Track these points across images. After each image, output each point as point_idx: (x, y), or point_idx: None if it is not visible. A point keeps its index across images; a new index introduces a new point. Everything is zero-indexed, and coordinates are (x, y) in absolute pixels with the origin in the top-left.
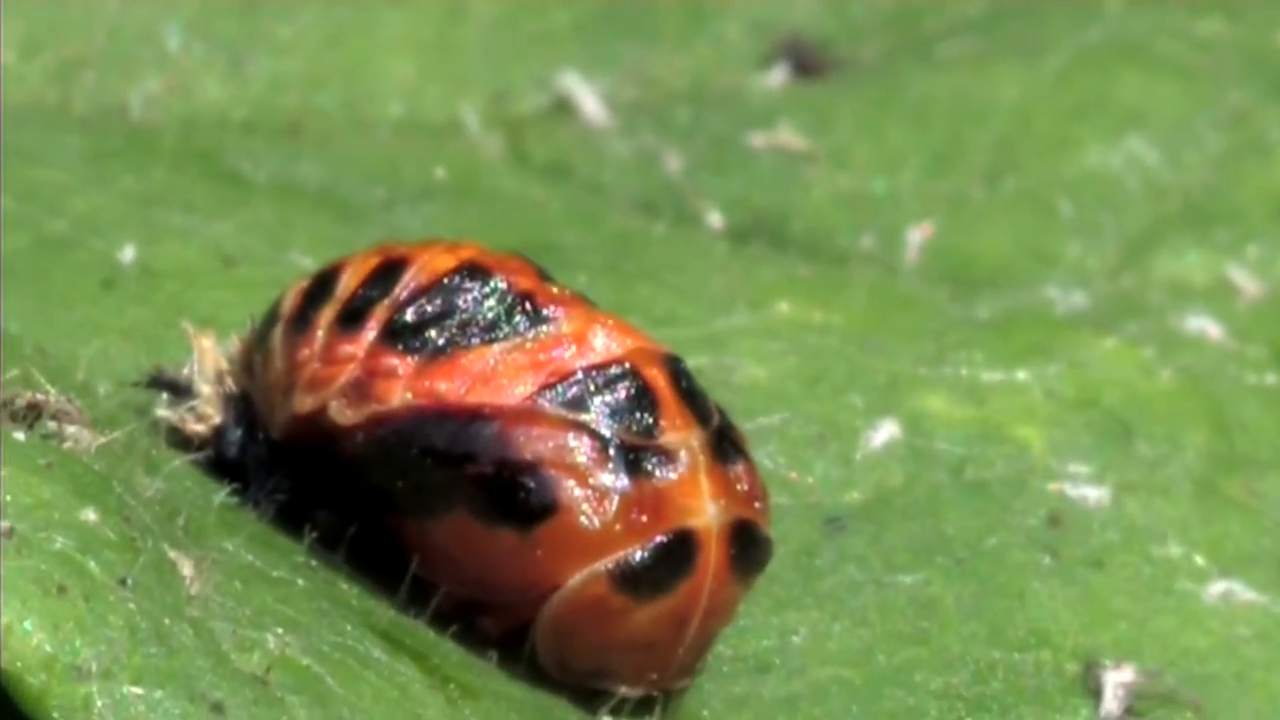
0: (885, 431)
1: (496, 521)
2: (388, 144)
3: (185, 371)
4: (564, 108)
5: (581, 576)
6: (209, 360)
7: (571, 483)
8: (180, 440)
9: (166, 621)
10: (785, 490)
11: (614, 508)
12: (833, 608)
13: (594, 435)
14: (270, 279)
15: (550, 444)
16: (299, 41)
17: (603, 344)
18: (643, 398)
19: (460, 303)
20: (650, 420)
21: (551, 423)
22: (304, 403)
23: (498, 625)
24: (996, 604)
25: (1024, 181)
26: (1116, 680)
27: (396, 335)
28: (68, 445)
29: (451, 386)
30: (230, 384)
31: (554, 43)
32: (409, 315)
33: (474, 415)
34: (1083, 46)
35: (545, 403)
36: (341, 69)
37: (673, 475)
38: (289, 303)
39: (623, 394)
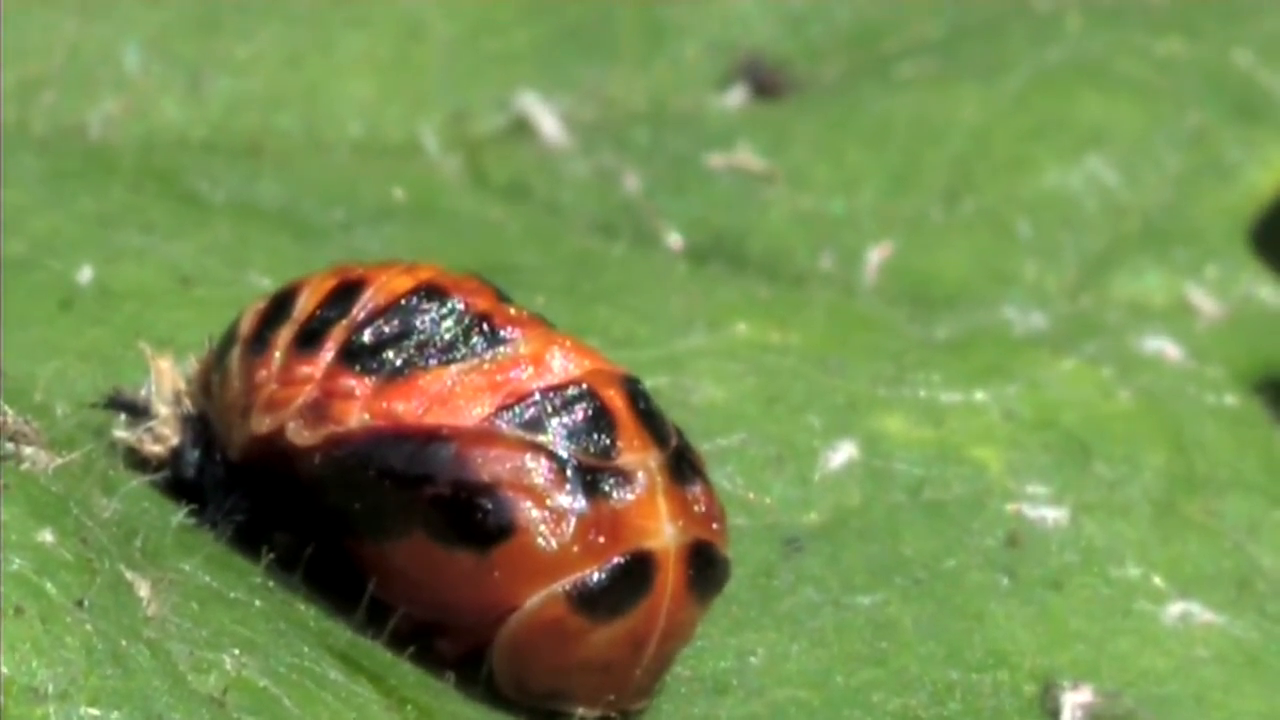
0: (843, 452)
1: (454, 543)
2: (346, 164)
3: (143, 392)
4: (522, 128)
5: (539, 598)
6: (167, 381)
7: (529, 504)
8: (138, 461)
9: (123, 643)
10: (743, 511)
11: (571, 529)
12: (791, 629)
13: (551, 456)
14: (229, 299)
15: (507, 465)
16: (258, 62)
17: (560, 365)
18: (600, 419)
19: (418, 324)
20: (608, 441)
21: (509, 444)
22: (261, 423)
23: (455, 647)
24: (954, 625)
25: (983, 202)
26: (1075, 701)
27: (354, 356)
28: (25, 466)
29: (409, 407)
30: (188, 405)
31: (513, 63)
32: (366, 336)
33: (431, 436)
34: (1042, 67)
35: (502, 424)
36: (300, 89)
37: (630, 496)
38: (246, 324)
39: (580, 415)
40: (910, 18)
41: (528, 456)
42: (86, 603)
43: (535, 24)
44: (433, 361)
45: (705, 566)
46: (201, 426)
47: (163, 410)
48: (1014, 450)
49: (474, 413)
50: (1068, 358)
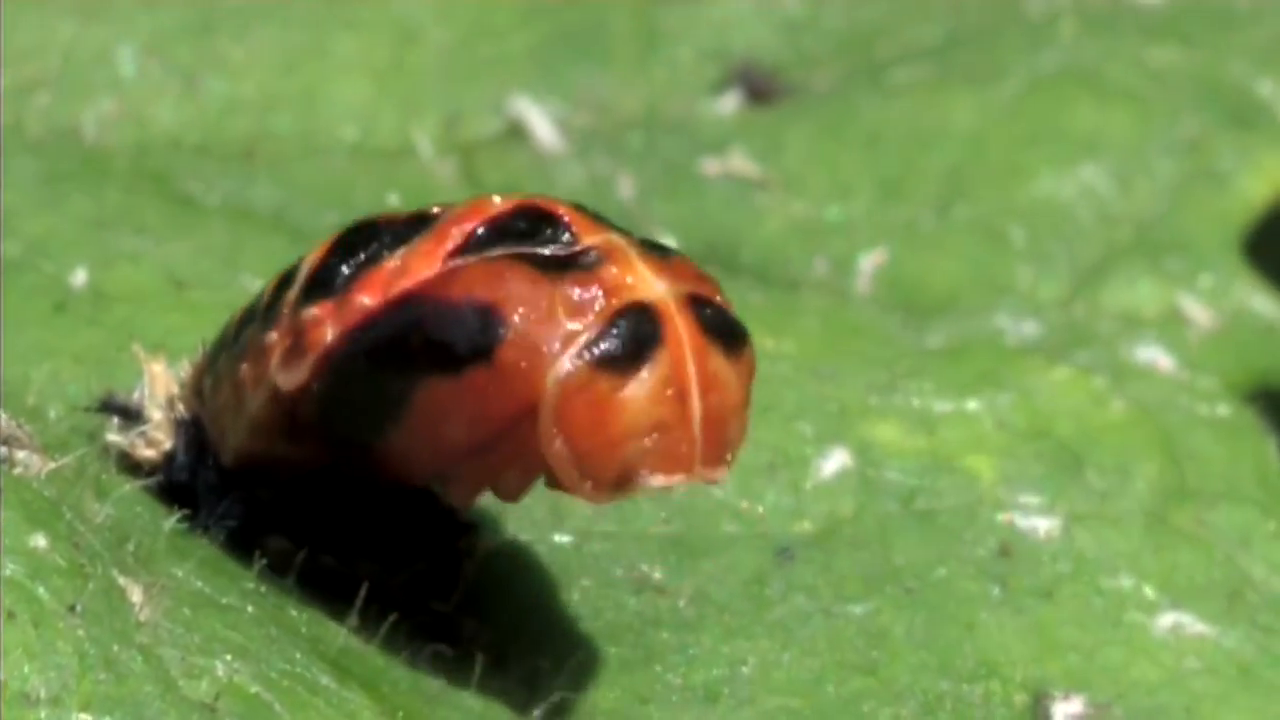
0: (836, 461)
1: (461, 368)
2: (341, 168)
3: (136, 396)
4: (517, 132)
5: (557, 376)
6: (160, 385)
7: (513, 301)
8: (131, 465)
9: (115, 648)
10: (735, 519)
11: (562, 303)
12: (782, 637)
13: (518, 258)
14: (222, 303)
15: (482, 282)
16: (252, 65)
17: (497, 202)
18: (549, 221)
19: (359, 246)
20: (566, 235)
21: (475, 268)
22: (256, 401)
23: (520, 481)
24: (946, 634)
25: (976, 209)
26: (1065, 712)
27: (310, 294)
28: (18, 471)
29: (373, 296)
30: (181, 409)
31: (507, 68)
32: (316, 275)
33: (403, 300)
34: (1036, 74)
35: (463, 260)
36: (295, 93)
37: (608, 264)
38: (232, 327)
39: (531, 224)
40: (904, 24)
41: (499, 265)
42: (79, 608)
43: (530, 29)
44: (383, 255)
45: (712, 314)
46: (194, 431)
47: (156, 414)
48: (1006, 460)
49: (433, 268)
50: (1060, 367)
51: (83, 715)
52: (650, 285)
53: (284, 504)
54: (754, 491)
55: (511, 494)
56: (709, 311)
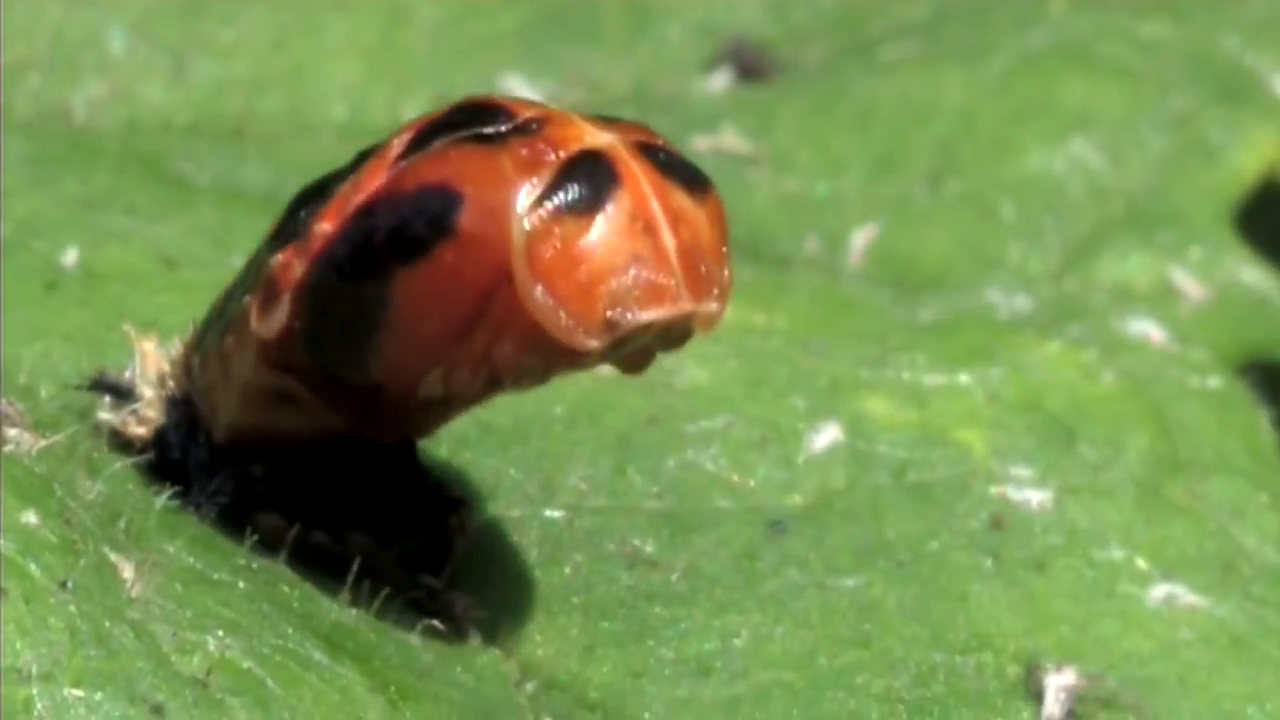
0: (827, 434)
1: (427, 252)
2: (331, 147)
3: (127, 375)
4: None
5: (522, 231)
6: (151, 363)
7: (465, 171)
8: (122, 443)
9: (107, 624)
10: (727, 493)
11: (512, 164)
12: (774, 610)
13: (461, 140)
14: (213, 282)
15: (431, 166)
16: (242, 45)
17: (426, 117)
18: (488, 108)
19: (313, 195)
20: (502, 114)
21: (423, 158)
22: (245, 359)
23: (516, 354)
24: (938, 607)
25: (967, 184)
26: (1058, 683)
27: (273, 245)
28: (9, 448)
29: (332, 221)
30: (172, 387)
31: (497, 46)
32: (279, 229)
33: (362, 211)
34: (1026, 49)
35: (410, 160)
36: (285, 72)
37: (554, 127)
38: (218, 305)
39: (470, 115)
40: (894, 1)
41: (441, 151)
42: (70, 584)
43: (520, 7)
44: (335, 188)
45: (666, 157)
46: (186, 408)
47: (147, 392)
48: (998, 432)
49: (382, 177)
50: (1051, 340)
51: (75, 691)
52: (597, 136)
53: (276, 481)
54: (746, 466)
55: (510, 371)
56: (662, 155)
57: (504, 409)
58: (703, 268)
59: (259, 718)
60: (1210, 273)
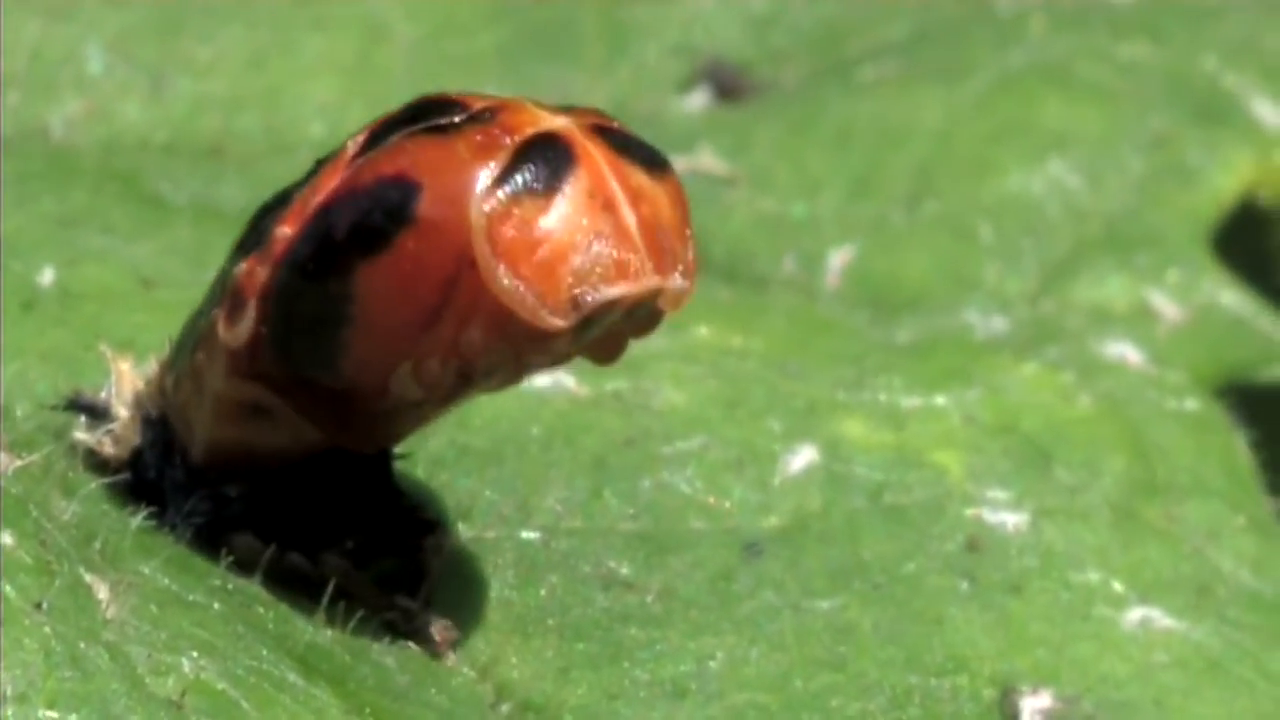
0: (804, 456)
1: (389, 245)
2: (309, 166)
3: (103, 394)
4: None
5: (481, 214)
6: (127, 383)
7: (421, 161)
8: (98, 463)
9: (82, 645)
10: (703, 515)
11: (467, 151)
12: (750, 633)
13: (415, 134)
14: (189, 301)
15: (387, 159)
16: (220, 64)
17: (380, 120)
18: (441, 104)
19: (272, 205)
20: (458, 106)
21: (378, 153)
22: (215, 372)
23: (485, 339)
24: (914, 629)
25: (944, 205)
26: (1034, 706)
27: (236, 257)
28: None
29: (293, 224)
30: (148, 407)
31: (476, 65)
32: (241, 242)
33: (321, 210)
34: (1004, 70)
35: (364, 158)
36: (262, 91)
37: (505, 112)
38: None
39: (423, 110)
40: (873, 21)
41: (397, 144)
42: (45, 605)
43: (498, 26)
44: (292, 200)
45: (621, 138)
46: (161, 429)
47: (123, 412)
48: (974, 455)
49: (337, 179)
50: (1028, 362)
51: (48, 713)
52: (551, 119)
53: (252, 501)
54: (722, 487)
55: (480, 360)
56: (618, 137)
57: (480, 431)
58: (666, 244)
59: None
60: (1188, 295)
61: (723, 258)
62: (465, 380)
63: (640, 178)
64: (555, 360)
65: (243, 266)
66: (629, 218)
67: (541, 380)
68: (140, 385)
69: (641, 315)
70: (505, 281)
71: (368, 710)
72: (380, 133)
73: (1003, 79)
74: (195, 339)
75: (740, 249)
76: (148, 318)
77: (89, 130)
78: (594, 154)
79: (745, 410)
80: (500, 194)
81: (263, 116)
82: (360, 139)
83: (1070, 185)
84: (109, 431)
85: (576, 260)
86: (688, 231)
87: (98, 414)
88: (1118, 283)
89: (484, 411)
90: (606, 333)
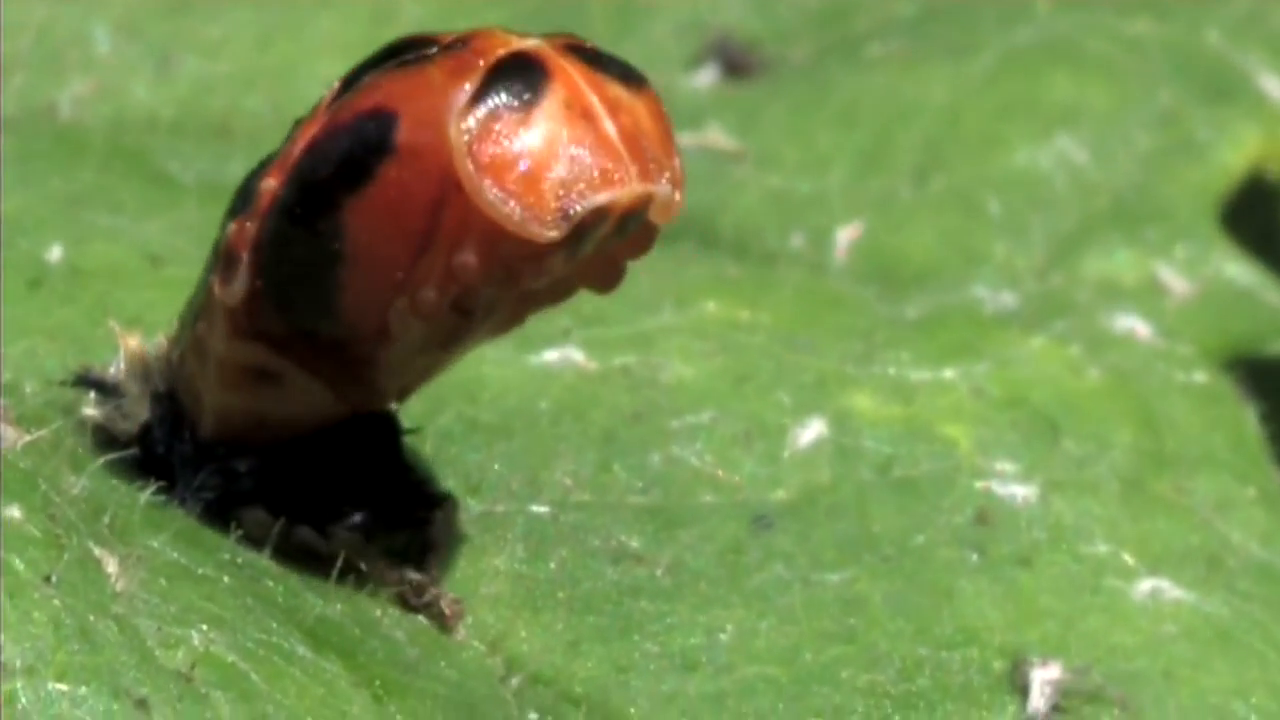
0: (813, 430)
1: (372, 173)
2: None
3: (112, 371)
4: None
5: (460, 134)
6: (135, 359)
7: (396, 91)
8: (107, 439)
9: (91, 618)
10: (712, 488)
11: (442, 75)
12: (759, 606)
13: (390, 69)
14: (197, 279)
15: (364, 96)
16: (228, 43)
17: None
18: (412, 42)
19: (259, 167)
20: (426, 43)
21: (354, 93)
22: (215, 333)
23: (480, 263)
24: (923, 602)
25: (952, 181)
26: (1043, 678)
27: (227, 220)
28: None
29: (278, 176)
30: (156, 382)
31: None
32: (230, 206)
33: (302, 155)
34: (1012, 47)
35: (341, 100)
36: (270, 70)
37: (476, 40)
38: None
39: (395, 51)
40: None
41: (371, 81)
42: (54, 579)
43: (505, 5)
44: (276, 155)
45: (594, 55)
46: (170, 404)
47: (132, 388)
48: (983, 428)
49: (316, 128)
50: (1037, 336)
51: (58, 685)
52: (526, 41)
53: (261, 476)
54: (731, 461)
55: (474, 284)
56: (591, 54)
57: (489, 405)
58: (649, 151)
59: (243, 712)
60: (1196, 269)
61: (731, 234)
62: (465, 316)
63: (617, 89)
64: (555, 291)
65: (233, 227)
66: (609, 127)
67: (550, 355)
68: (148, 361)
69: (633, 228)
70: (492, 196)
71: (377, 683)
72: (353, 78)
73: (1010, 55)
74: (197, 309)
75: (748, 225)
76: (156, 295)
77: (96, 109)
78: (568, 68)
79: (754, 384)
80: (477, 113)
81: (270, 95)
82: (335, 87)
83: (1078, 161)
84: (118, 407)
85: (560, 171)
86: (672, 143)
87: (106, 390)
88: (1126, 257)
89: (492, 386)
90: (601, 252)
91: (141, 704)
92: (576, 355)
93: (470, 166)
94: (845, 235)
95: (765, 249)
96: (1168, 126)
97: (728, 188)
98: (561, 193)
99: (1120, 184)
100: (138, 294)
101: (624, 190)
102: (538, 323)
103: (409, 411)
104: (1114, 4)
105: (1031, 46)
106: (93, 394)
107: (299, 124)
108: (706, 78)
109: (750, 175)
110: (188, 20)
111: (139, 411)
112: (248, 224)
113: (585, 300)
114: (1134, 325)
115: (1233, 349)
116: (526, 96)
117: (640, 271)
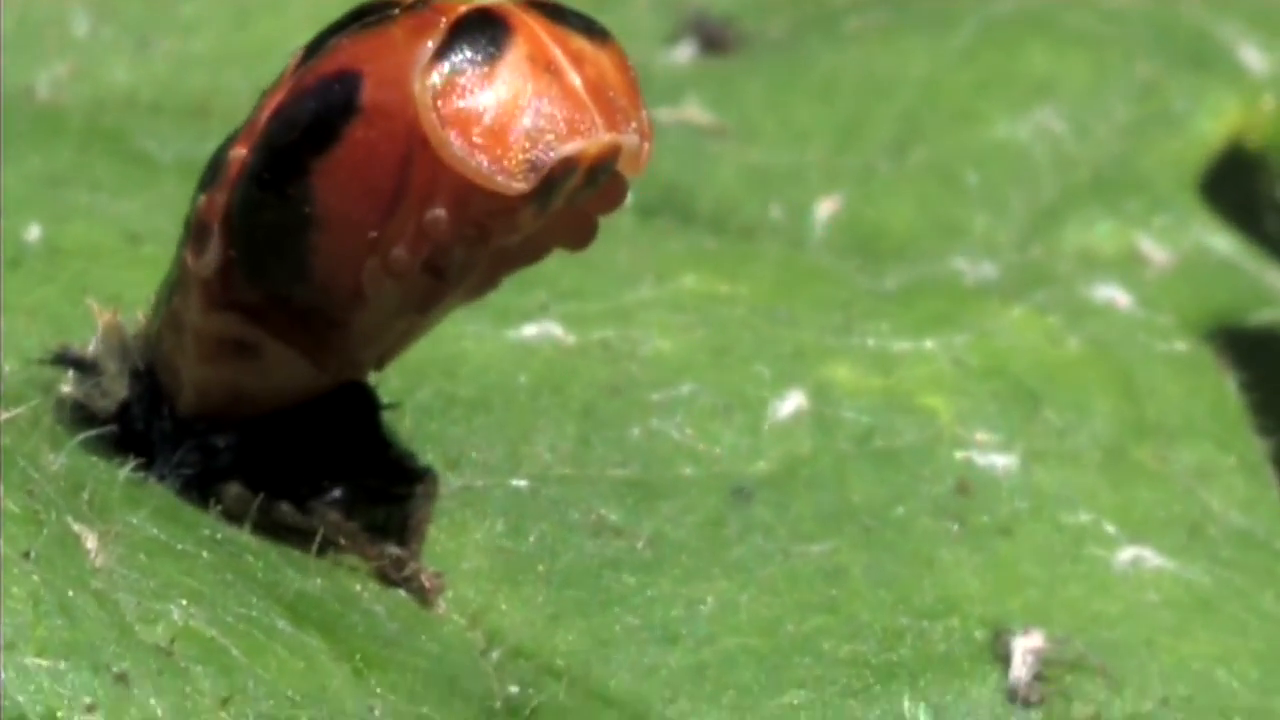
0: (792, 401)
1: (340, 137)
2: None
3: (91, 349)
4: None
5: (425, 90)
6: (114, 337)
7: (359, 53)
8: (86, 416)
9: (70, 594)
10: (692, 461)
11: (404, 35)
12: (740, 577)
13: (355, 30)
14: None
15: (327, 59)
16: (206, 22)
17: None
18: (373, 6)
19: (227, 139)
20: (387, 5)
21: (318, 57)
22: (188, 302)
23: (453, 219)
24: (904, 572)
25: (931, 154)
26: (1025, 647)
27: (197, 194)
28: None
29: (245, 144)
30: (135, 359)
31: None
32: (200, 180)
33: (269, 122)
34: (990, 18)
35: (305, 66)
36: (248, 49)
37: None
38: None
39: (358, 15)
40: None
41: (334, 44)
42: (33, 554)
43: None
44: (242, 125)
45: (555, 7)
46: (149, 380)
47: (110, 366)
48: (963, 398)
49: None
50: (1016, 306)
51: (38, 660)
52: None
53: (240, 452)
54: (710, 433)
55: (446, 242)
56: (552, 8)
57: (468, 380)
58: (615, 102)
59: (223, 686)
60: (1176, 239)
61: (710, 209)
62: (439, 276)
63: (580, 42)
64: (528, 249)
65: (203, 199)
66: (573, 78)
67: (528, 329)
68: (126, 338)
69: (603, 179)
70: (459, 150)
71: (358, 657)
72: (317, 44)
73: (989, 27)
74: (171, 285)
75: (727, 200)
76: (134, 273)
77: (75, 90)
78: (530, 22)
79: (733, 357)
80: (441, 69)
81: (248, 74)
82: (299, 54)
83: (1057, 132)
84: (97, 384)
85: (526, 122)
86: (638, 94)
87: (85, 368)
88: (1106, 228)
89: (471, 361)
90: (571, 205)
91: (121, 678)
92: (555, 329)
93: (436, 121)
94: (824, 209)
95: (744, 223)
96: (1147, 98)
97: (706, 162)
98: (528, 145)
99: (1099, 155)
100: (116, 273)
101: (591, 140)
102: (516, 297)
103: (388, 387)
104: None
105: (1010, 18)
106: (71, 372)
107: (265, 93)
108: (684, 53)
109: (729, 150)
110: (165, 0)
111: (117, 389)
112: (218, 195)
113: (564, 274)
114: (1114, 295)
115: (1212, 319)
116: (490, 51)
117: (619, 245)
